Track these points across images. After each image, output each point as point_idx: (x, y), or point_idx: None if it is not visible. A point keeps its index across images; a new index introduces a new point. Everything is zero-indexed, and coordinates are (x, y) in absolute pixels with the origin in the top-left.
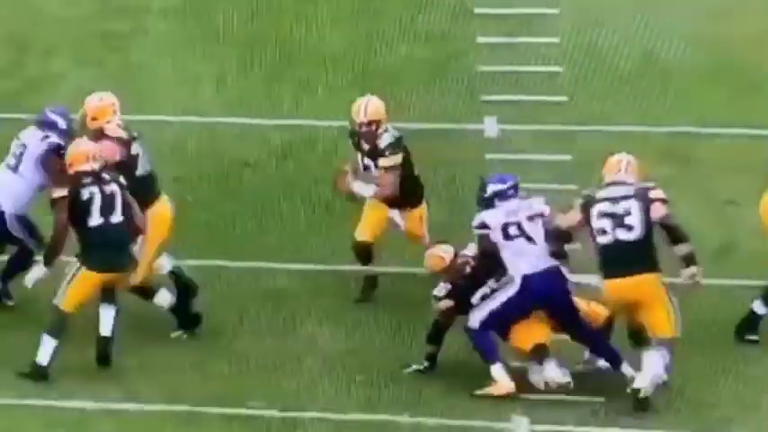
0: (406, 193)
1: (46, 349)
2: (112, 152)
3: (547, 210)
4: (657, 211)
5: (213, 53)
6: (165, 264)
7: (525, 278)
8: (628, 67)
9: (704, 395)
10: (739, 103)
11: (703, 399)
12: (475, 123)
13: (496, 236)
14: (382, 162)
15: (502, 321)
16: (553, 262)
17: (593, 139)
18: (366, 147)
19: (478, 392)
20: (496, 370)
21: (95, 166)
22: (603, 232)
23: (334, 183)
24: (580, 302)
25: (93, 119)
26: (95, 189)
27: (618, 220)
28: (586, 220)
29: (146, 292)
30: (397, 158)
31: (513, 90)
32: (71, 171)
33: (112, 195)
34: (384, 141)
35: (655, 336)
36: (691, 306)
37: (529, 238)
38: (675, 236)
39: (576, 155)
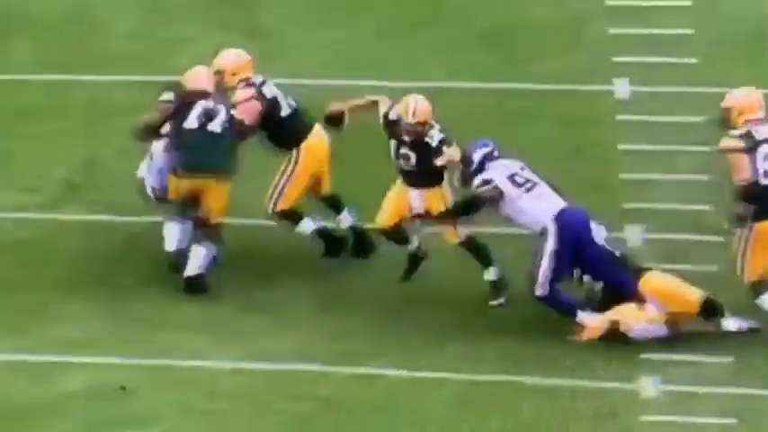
0: (429, 172)
1: (170, 236)
2: (253, 112)
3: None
4: None
5: (341, 16)
6: (347, 218)
7: (556, 217)
8: (759, 30)
9: None
10: None
11: None
12: (605, 85)
13: (507, 187)
14: (442, 159)
15: (560, 275)
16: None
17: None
18: (408, 139)
19: (570, 338)
20: (582, 318)
21: (209, 87)
22: None
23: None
24: (673, 281)
25: (234, 74)
26: (201, 102)
27: None
28: (752, 162)
29: (292, 217)
30: (456, 149)
31: (644, 52)
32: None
33: (217, 110)
34: (436, 138)
35: None
36: None
37: (535, 183)
38: None
39: (706, 116)
